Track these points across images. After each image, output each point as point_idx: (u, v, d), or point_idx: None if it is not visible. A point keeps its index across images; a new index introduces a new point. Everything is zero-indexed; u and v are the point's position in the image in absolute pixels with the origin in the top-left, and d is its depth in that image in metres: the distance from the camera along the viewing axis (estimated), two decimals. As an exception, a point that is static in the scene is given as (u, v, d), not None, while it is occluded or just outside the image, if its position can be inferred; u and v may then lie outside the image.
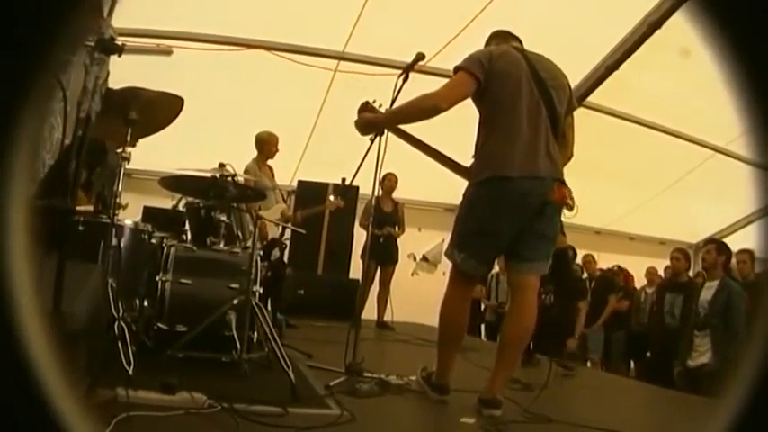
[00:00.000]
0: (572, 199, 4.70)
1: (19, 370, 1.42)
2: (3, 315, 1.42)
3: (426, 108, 4.68)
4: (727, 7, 1.45)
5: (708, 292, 8.40)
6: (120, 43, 3.23)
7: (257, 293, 5.47)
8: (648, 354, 10.96)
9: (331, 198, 9.95)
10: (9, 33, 1.37)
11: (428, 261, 11.85)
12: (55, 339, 2.54)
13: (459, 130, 5.44)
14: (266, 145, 8.72)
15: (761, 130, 1.43)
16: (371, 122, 5.04)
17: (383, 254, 10.49)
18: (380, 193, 10.23)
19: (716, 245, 8.87)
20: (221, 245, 5.82)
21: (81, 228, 4.69)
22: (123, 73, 4.45)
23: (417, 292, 11.14)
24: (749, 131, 1.44)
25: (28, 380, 1.43)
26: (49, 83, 1.62)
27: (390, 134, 5.18)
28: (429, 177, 8.09)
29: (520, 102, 4.65)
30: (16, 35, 1.39)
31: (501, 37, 5.19)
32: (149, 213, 6.95)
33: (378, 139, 5.17)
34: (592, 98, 10.95)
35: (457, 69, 4.78)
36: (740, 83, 1.43)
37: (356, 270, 11.68)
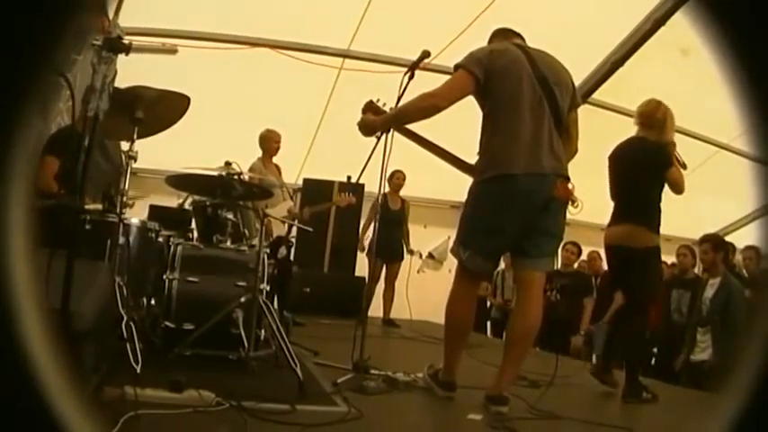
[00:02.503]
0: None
1: (17, 368, 1.43)
2: (2, 314, 1.42)
3: (426, 107, 4.70)
4: (726, 7, 1.46)
5: (711, 290, 8.42)
6: (127, 42, 3.24)
7: (264, 291, 5.49)
8: (655, 350, 10.96)
9: (342, 194, 9.90)
10: (9, 33, 1.38)
11: (434, 258, 11.83)
12: (60, 338, 2.56)
13: (464, 127, 5.45)
14: (266, 142, 8.74)
15: (761, 127, 1.44)
16: (372, 125, 5.05)
17: (389, 251, 10.50)
18: (388, 190, 10.25)
19: (711, 243, 8.85)
20: (228, 243, 5.84)
21: (88, 226, 4.70)
22: (129, 72, 4.46)
23: (423, 289, 11.13)
24: (749, 129, 1.45)
25: (26, 378, 1.43)
26: (51, 82, 1.62)
27: (396, 132, 5.18)
28: (434, 174, 8.08)
29: (521, 99, 4.66)
30: (17, 34, 1.39)
31: (503, 35, 5.19)
32: (155, 212, 6.95)
33: (384, 136, 5.17)
34: (596, 95, 10.97)
35: (457, 68, 4.79)
36: (739, 82, 1.43)
37: (362, 268, 11.69)
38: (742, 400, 1.42)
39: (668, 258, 12.18)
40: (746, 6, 1.44)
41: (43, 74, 1.47)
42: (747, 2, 1.45)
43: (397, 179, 10.60)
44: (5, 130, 1.39)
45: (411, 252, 11.30)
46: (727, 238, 11.18)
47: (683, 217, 13.97)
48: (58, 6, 1.47)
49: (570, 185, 4.65)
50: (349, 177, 11.22)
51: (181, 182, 6.10)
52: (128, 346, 4.20)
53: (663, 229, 6.16)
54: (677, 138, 6.50)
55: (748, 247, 9.32)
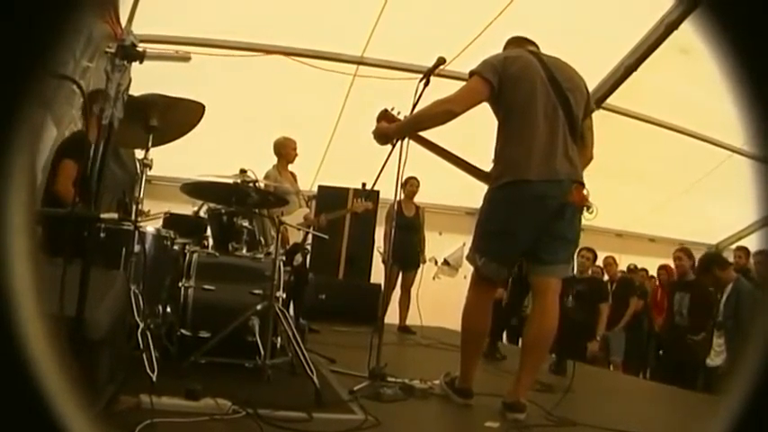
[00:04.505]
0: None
1: (18, 375, 1.41)
2: (2, 318, 1.41)
3: (440, 113, 4.71)
4: (731, 13, 1.44)
5: (726, 295, 8.44)
6: (141, 49, 3.23)
7: (280, 299, 5.47)
8: (660, 353, 10.98)
9: (358, 200, 9.86)
10: (8, 32, 1.37)
11: (449, 265, 11.82)
12: (75, 347, 2.55)
13: (478, 135, 5.43)
14: (283, 149, 8.70)
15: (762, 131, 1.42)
16: (387, 133, 5.05)
17: (405, 258, 10.48)
18: (402, 196, 10.22)
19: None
20: (244, 251, 5.82)
21: (103, 235, 4.69)
22: (143, 79, 4.46)
23: (439, 295, 11.12)
24: (752, 133, 1.44)
25: (27, 384, 1.42)
26: (51, 77, 1.61)
27: (411, 140, 5.17)
28: (449, 181, 8.07)
29: (535, 105, 4.66)
30: (16, 34, 1.38)
31: (517, 43, 5.19)
32: (170, 220, 6.94)
33: (399, 143, 5.16)
34: (610, 100, 10.95)
35: (471, 74, 4.80)
36: (743, 87, 1.42)
37: (377, 275, 11.67)
38: (742, 400, 1.41)
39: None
40: (751, 11, 1.42)
41: (42, 69, 1.46)
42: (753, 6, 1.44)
43: (410, 186, 10.59)
44: (4, 127, 1.38)
45: (424, 261, 11.29)
46: (741, 243, 11.21)
47: (698, 222, 13.97)
48: (57, 3, 1.46)
49: (585, 191, 4.63)
50: (364, 184, 11.19)
51: (196, 190, 6.09)
52: (143, 354, 4.20)
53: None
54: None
55: (759, 252, 9.32)
